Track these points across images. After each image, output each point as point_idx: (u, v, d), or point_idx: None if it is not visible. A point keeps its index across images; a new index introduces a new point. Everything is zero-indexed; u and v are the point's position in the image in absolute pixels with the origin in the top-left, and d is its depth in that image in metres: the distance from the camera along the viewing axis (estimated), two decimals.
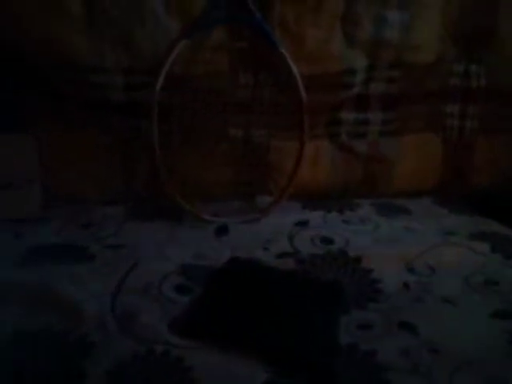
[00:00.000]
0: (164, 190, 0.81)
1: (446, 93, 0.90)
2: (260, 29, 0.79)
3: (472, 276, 0.66)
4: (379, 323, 0.57)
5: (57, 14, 0.75)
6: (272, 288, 0.62)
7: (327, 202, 0.89)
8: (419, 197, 0.93)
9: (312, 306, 0.59)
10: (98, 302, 0.59)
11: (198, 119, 0.84)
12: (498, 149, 0.93)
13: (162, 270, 0.65)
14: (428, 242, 0.74)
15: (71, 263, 0.68)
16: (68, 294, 0.60)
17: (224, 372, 0.49)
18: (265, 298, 0.60)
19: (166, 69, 0.77)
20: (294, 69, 0.80)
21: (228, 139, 0.86)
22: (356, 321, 0.57)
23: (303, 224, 0.81)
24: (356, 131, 0.89)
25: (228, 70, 0.81)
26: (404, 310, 0.59)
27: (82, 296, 0.60)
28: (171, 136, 0.83)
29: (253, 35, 0.80)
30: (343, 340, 0.54)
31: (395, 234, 0.78)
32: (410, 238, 0.77)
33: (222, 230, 0.80)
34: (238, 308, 0.57)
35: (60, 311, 0.57)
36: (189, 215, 0.82)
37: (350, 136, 0.89)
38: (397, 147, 0.91)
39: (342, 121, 0.88)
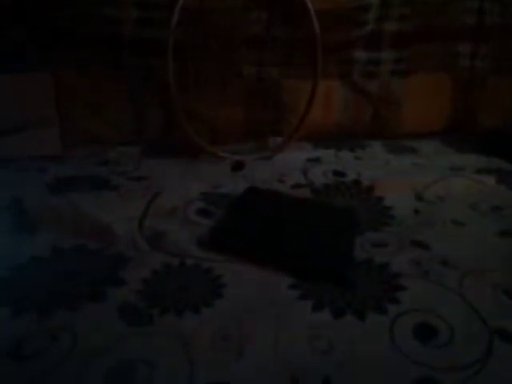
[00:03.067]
0: (180, 129, 0.82)
1: (459, 31, 0.90)
2: None
3: (479, 203, 0.70)
4: (392, 242, 0.61)
5: None
6: (291, 211, 0.66)
7: (338, 142, 0.91)
8: (429, 138, 0.95)
9: (328, 226, 0.63)
10: (127, 225, 0.62)
11: (212, 57, 0.84)
12: (508, 89, 0.93)
13: (183, 197, 0.69)
14: (436, 175, 0.77)
15: (96, 192, 0.71)
16: (97, 218, 0.63)
17: (251, 278, 0.53)
18: (284, 219, 0.63)
19: (181, 3, 0.77)
20: (309, 3, 0.80)
21: (241, 77, 0.86)
22: (370, 240, 0.61)
23: (315, 160, 0.84)
24: (368, 71, 0.90)
25: (241, 5, 0.81)
26: (415, 230, 0.63)
27: (110, 219, 0.63)
28: (186, 75, 0.84)
29: None
30: (359, 256, 0.58)
31: (405, 169, 0.81)
32: (419, 171, 0.80)
33: (238, 166, 0.82)
34: (260, 227, 0.61)
35: (92, 232, 0.61)
36: (205, 153, 0.84)
37: (362, 76, 0.90)
38: (407, 87, 0.92)
39: (354, 60, 0.89)
